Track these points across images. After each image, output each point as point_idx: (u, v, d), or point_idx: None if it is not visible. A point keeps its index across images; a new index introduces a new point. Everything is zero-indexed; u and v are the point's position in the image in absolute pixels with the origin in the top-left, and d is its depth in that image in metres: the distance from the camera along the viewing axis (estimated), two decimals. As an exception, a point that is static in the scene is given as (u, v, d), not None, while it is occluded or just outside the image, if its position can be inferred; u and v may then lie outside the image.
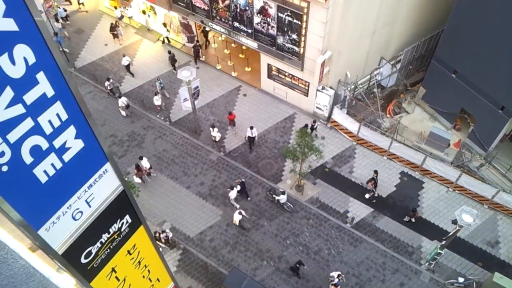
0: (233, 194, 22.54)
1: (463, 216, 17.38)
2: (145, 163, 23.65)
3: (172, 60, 28.56)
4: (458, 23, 23.16)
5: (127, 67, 28.49)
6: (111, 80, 26.88)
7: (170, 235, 21.53)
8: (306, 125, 25.09)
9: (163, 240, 21.31)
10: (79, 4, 31.96)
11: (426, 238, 22.45)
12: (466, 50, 23.25)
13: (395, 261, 21.79)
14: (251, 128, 24.18)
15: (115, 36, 29.95)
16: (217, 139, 25.61)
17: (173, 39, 30.63)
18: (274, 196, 23.03)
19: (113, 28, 29.62)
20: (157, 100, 26.28)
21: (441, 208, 23.44)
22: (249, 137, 24.42)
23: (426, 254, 21.92)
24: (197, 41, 28.91)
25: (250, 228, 22.46)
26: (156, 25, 30.79)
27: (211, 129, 25.33)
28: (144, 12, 30.82)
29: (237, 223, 21.98)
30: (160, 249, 19.91)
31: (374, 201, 23.58)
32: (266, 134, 26.01)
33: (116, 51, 30.00)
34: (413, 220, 22.77)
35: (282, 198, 22.58)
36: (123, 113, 26.75)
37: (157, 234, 21.10)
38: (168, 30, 29.85)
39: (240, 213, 21.66)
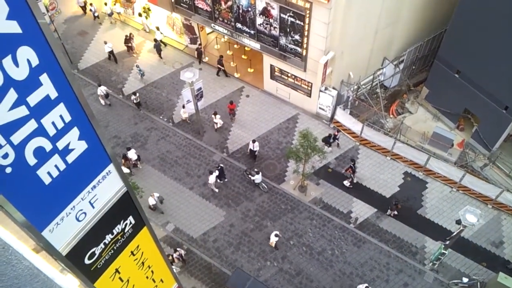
0: (211, 179, 23.05)
1: (467, 216, 17.34)
2: (131, 155, 23.91)
3: (158, 48, 29.32)
4: (461, 23, 23.10)
5: (110, 53, 29.31)
6: (137, 94, 26.57)
7: (183, 252, 21.16)
8: (330, 135, 24.75)
9: (176, 261, 20.79)
10: (94, 17, 31.78)
11: (429, 238, 22.38)
12: (469, 50, 23.19)
13: (399, 261, 21.75)
14: (253, 141, 24.03)
15: (130, 48, 29.66)
16: (219, 125, 26.03)
17: (176, 41, 30.71)
18: (249, 176, 23.63)
19: (127, 41, 29.37)
20: (184, 113, 25.94)
21: (445, 208, 23.38)
22: (250, 150, 24.26)
23: (430, 254, 21.86)
24: (200, 44, 28.91)
25: (280, 248, 22.04)
26: (154, 27, 30.88)
27: (213, 116, 25.74)
28: (140, 14, 31.01)
29: (273, 245, 21.62)
30: (176, 270, 19.90)
31: (352, 186, 23.88)
32: (269, 135, 26.02)
33: (119, 53, 30.07)
34: (395, 213, 22.84)
35: (257, 178, 23.29)
36: (102, 102, 27.36)
37: (170, 257, 20.47)
38: (161, 33, 30.02)
39: (276, 235, 21.24)
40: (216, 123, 25.94)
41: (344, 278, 21.14)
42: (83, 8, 32.23)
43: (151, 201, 22.45)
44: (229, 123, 26.47)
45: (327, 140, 24.65)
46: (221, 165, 24.02)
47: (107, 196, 6.57)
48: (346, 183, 23.86)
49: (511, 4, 20.36)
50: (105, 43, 29.31)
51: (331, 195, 23.78)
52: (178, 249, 21.06)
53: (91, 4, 31.52)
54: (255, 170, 23.73)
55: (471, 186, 23.31)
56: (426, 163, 23.87)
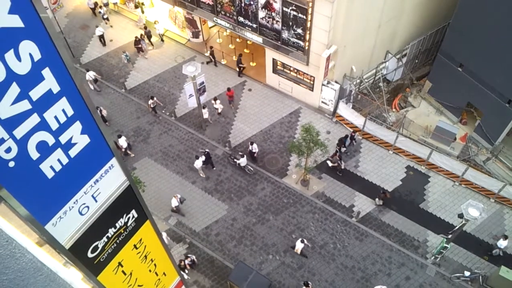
0: (198, 163, 23.46)
1: (469, 210, 17.33)
2: (122, 142, 24.07)
3: (148, 36, 29.55)
4: (464, 17, 22.98)
5: (101, 37, 29.63)
6: (154, 99, 26.12)
7: (194, 257, 20.96)
8: (346, 136, 24.63)
9: (188, 267, 20.56)
10: (104, 19, 31.18)
11: (432, 232, 22.42)
12: (473, 44, 23.08)
13: (401, 255, 21.79)
14: (251, 143, 23.99)
15: (140, 49, 29.29)
16: (219, 111, 26.26)
17: (178, 35, 30.66)
18: (235, 160, 24.11)
19: (137, 42, 28.92)
20: (205, 114, 25.61)
21: (447, 202, 23.38)
22: (250, 151, 24.19)
23: (432, 248, 21.89)
24: (211, 47, 28.56)
25: (308, 256, 21.81)
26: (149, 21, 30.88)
27: (213, 101, 25.93)
28: (136, 6, 31.11)
29: (298, 251, 21.34)
30: (187, 277, 19.89)
31: (341, 174, 24.02)
32: (272, 129, 26.02)
33: (122, 46, 30.06)
34: (381, 203, 23.04)
35: (242, 161, 23.76)
36: (91, 86, 27.48)
37: (182, 263, 20.35)
38: (157, 28, 30.05)
39: (302, 241, 21.00)
40: (217, 109, 26.24)
41: (346, 272, 21.21)
42: (93, 10, 31.70)
43: (174, 203, 22.18)
44: (227, 117, 26.45)
45: (343, 141, 24.41)
46: (207, 150, 24.37)
47: (110, 190, 6.58)
48: (329, 163, 24.15)
49: (515, -3, 20.25)
50: (97, 26, 29.85)
51: (333, 189, 23.80)
52: (189, 255, 20.77)
53: (100, 7, 31.10)
54: (240, 153, 24.05)
55: (473, 180, 23.29)
56: (428, 157, 23.84)
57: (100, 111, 25.09)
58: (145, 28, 29.71)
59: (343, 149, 24.50)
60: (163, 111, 26.90)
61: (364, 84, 26.65)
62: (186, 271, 20.64)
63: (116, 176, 6.57)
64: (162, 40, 30.26)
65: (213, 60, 28.65)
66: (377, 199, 23.05)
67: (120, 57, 29.41)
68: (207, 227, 22.61)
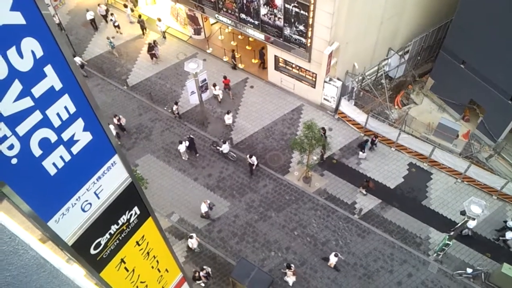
0: (181, 148, 23.92)
1: (471, 207, 17.30)
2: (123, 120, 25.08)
3: (142, 25, 29.96)
4: (467, 13, 22.89)
5: (92, 21, 30.07)
6: (179, 104, 25.99)
7: (209, 270, 20.66)
8: (366, 140, 24.47)
9: (203, 278, 20.34)
10: (115, 27, 30.60)
11: (434, 229, 22.40)
12: (475, 41, 23.00)
13: (403, 252, 21.79)
14: (250, 156, 23.32)
15: (153, 56, 28.79)
16: (221, 96, 26.71)
17: (180, 32, 30.64)
18: (217, 147, 24.42)
19: (151, 48, 28.41)
20: (229, 119, 25.37)
21: (450, 199, 23.35)
22: (249, 163, 23.56)
23: (434, 245, 21.88)
24: (233, 50, 28.33)
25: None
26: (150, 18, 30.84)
27: (212, 87, 26.13)
28: (125, 5, 31.23)
29: (332, 265, 20.95)
30: (203, 284, 19.99)
31: (322, 161, 24.20)
32: (274, 126, 26.00)
33: (123, 43, 30.07)
34: (364, 192, 23.19)
35: (225, 148, 24.03)
36: None
37: (197, 274, 20.13)
38: (159, 27, 30.00)
39: (336, 255, 20.49)
40: (218, 95, 26.62)
41: (348, 269, 21.22)
42: (104, 16, 31.04)
43: (204, 208, 21.91)
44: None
45: (363, 145, 24.26)
46: (191, 136, 24.68)
47: (112, 187, 6.61)
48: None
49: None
50: (87, 10, 30.16)
51: (336, 186, 23.79)
52: (204, 267, 20.53)
53: (112, 14, 30.55)
54: (222, 140, 24.43)
55: (476, 177, 23.25)
56: (431, 154, 23.80)
57: (119, 119, 24.82)
58: (139, 16, 29.85)
59: (363, 154, 24.25)
60: (165, 108, 26.89)
61: (366, 81, 26.59)
62: (203, 284, 20.55)
63: (119, 173, 6.60)
64: (164, 37, 30.23)
65: (234, 63, 28.34)
66: (361, 188, 23.22)
67: (121, 54, 29.41)
68: (209, 224, 22.64)
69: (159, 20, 29.72)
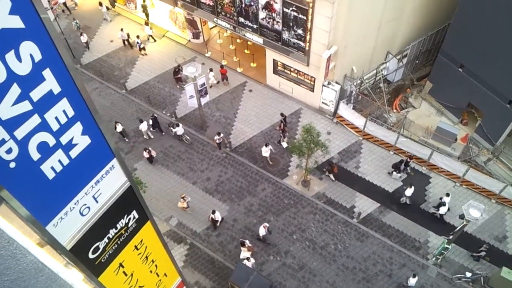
0: (143, 126, 24.76)
1: (470, 210, 17.30)
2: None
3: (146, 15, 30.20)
4: (465, 17, 22.97)
5: (64, 4, 30.80)
6: (221, 135, 24.40)
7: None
8: (401, 161, 23.85)
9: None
10: (140, 49, 29.63)
11: (433, 233, 22.39)
12: (473, 44, 23.07)
13: (402, 255, 21.76)
14: (213, 212, 21.65)
15: (179, 80, 27.74)
16: (215, 82, 27.46)
17: (179, 35, 30.69)
18: (171, 129, 25.06)
19: (176, 72, 27.60)
20: (266, 152, 23.94)
21: (448, 203, 23.33)
22: (212, 219, 21.89)
23: (433, 249, 21.86)
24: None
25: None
26: (156, 19, 30.88)
27: (208, 71, 26.91)
28: (100, 4, 31.22)
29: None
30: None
31: (283, 144, 24.97)
32: (272, 130, 26.00)
33: (121, 47, 30.10)
34: (332, 176, 23.59)
35: (178, 130, 24.77)
36: None
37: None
38: (150, 28, 30.03)
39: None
40: (216, 78, 27.33)
41: (347, 273, 21.18)
42: (127, 41, 29.88)
43: (262, 232, 21.36)
44: (228, 118, 26.45)
45: (398, 166, 23.77)
46: (155, 115, 25.46)
47: (111, 191, 6.58)
48: (284, 144, 24.90)
49: (516, -2, 20.25)
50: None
51: (334, 190, 23.78)
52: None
53: (137, 37, 29.49)
54: (176, 123, 25.12)
55: (474, 180, 23.27)
56: (429, 157, 23.82)
57: (149, 151, 24.05)
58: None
59: (397, 175, 23.85)
60: (163, 112, 26.89)
61: (364, 85, 26.64)
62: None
63: (117, 177, 6.57)
64: (154, 40, 30.17)
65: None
66: (327, 173, 23.70)
67: (119, 58, 29.44)
68: (207, 228, 22.59)
69: (147, 24, 29.77)
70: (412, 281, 20.05)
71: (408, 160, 23.66)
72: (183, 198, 22.38)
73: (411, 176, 24.23)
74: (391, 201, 23.33)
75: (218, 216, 21.92)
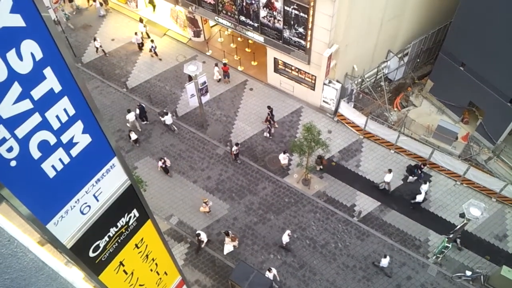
0: (130, 116, 25.09)
1: (471, 209, 17.30)
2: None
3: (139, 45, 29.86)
4: (466, 16, 22.94)
5: (141, 44, 29.81)
6: (239, 145, 24.26)
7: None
8: (416, 165, 23.83)
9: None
10: (153, 54, 29.37)
11: (433, 232, 22.39)
12: (474, 43, 23.04)
13: (402, 254, 21.77)
14: (198, 235, 21.42)
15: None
16: (219, 76, 27.81)
17: (180, 34, 30.67)
18: (160, 118, 25.59)
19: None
20: (284, 159, 23.95)
21: (449, 202, 23.35)
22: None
23: (433, 247, 21.87)
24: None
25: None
26: (159, 17, 30.87)
27: (214, 65, 27.82)
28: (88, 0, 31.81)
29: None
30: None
31: (270, 137, 25.38)
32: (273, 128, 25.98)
33: (122, 46, 30.09)
34: (321, 167, 23.86)
35: (167, 119, 25.26)
36: None
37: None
38: (144, 26, 29.99)
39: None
40: (216, 75, 27.69)
41: (347, 271, 21.20)
42: (141, 45, 29.68)
43: (286, 239, 21.16)
44: (229, 117, 26.45)
45: (412, 170, 23.77)
46: (142, 104, 25.85)
47: (111, 190, 6.59)
48: (266, 134, 25.42)
49: (517, -4, 20.21)
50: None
51: (335, 189, 23.79)
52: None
53: (152, 41, 29.04)
54: (165, 111, 25.65)
55: (475, 179, 23.26)
56: (430, 156, 23.81)
57: (164, 161, 23.64)
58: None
59: (412, 178, 23.81)
60: (164, 110, 26.87)
61: (365, 83, 26.62)
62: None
63: (118, 175, 6.58)
64: (148, 37, 30.10)
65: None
66: (317, 166, 23.91)
67: (120, 56, 29.43)
68: (208, 227, 22.61)
69: (141, 21, 29.83)
70: (384, 261, 20.49)
71: (422, 166, 23.70)
72: (205, 202, 22.17)
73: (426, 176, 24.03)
74: (392, 200, 23.31)
75: (204, 237, 21.54)
